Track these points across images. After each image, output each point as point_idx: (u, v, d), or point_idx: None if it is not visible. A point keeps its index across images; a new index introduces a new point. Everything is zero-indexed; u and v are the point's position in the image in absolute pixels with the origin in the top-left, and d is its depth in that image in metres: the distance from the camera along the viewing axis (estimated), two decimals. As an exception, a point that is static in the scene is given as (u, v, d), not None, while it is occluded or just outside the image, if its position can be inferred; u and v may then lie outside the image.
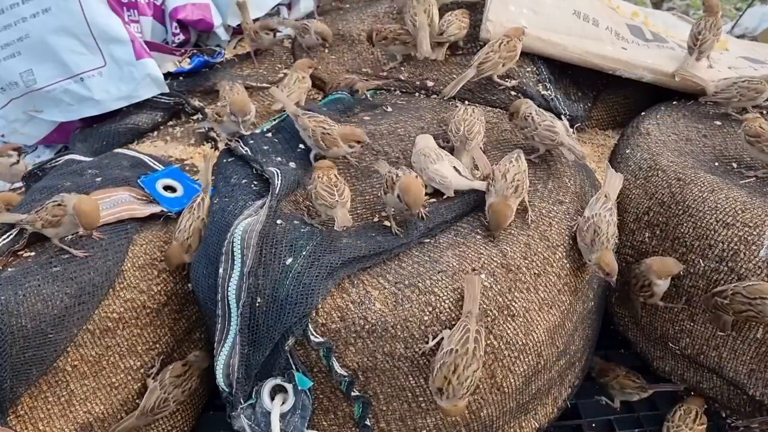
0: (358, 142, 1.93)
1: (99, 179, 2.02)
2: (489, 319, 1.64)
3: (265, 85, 2.56)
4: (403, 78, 2.39)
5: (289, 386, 1.61)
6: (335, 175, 1.76)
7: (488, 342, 1.64)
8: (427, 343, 1.59)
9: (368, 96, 2.33)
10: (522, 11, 2.42)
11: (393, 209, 1.73)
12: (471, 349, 1.51)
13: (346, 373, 1.62)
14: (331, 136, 1.92)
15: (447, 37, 2.36)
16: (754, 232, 1.80)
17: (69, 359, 1.70)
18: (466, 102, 2.28)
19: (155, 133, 2.51)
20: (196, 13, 2.74)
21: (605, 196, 1.85)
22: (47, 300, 1.63)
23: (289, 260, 1.62)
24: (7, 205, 1.95)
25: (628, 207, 2.12)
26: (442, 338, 1.56)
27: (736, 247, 1.81)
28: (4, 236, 1.83)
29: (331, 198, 1.70)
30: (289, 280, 1.59)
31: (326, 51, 2.62)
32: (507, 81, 2.30)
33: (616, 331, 2.19)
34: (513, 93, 2.32)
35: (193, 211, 1.87)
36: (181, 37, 2.75)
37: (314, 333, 1.59)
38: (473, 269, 1.66)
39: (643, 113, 2.41)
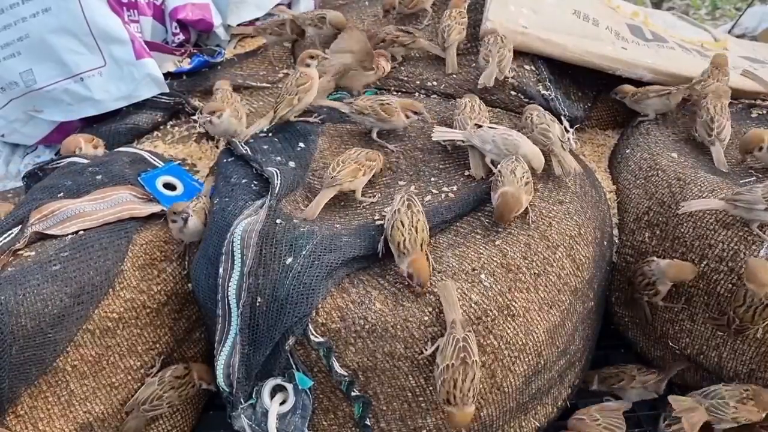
0: (416, 112, 2.02)
1: (99, 177, 2.02)
2: (489, 319, 1.64)
3: (265, 84, 2.56)
4: (403, 78, 2.39)
5: (289, 386, 1.61)
6: (360, 156, 1.84)
7: (488, 342, 1.64)
8: (426, 348, 1.59)
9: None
10: (522, 11, 2.42)
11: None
12: (464, 359, 1.50)
13: (346, 373, 1.62)
14: (392, 105, 2.01)
15: (450, 44, 2.36)
16: (755, 232, 1.80)
17: (69, 359, 1.70)
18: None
19: (155, 133, 2.51)
20: (196, 12, 2.74)
21: None
22: (47, 299, 1.64)
23: (289, 260, 1.62)
24: None
25: (628, 207, 2.12)
26: (438, 346, 1.56)
27: (736, 247, 1.81)
28: (5, 235, 1.83)
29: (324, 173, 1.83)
30: (289, 279, 1.59)
31: (327, 51, 2.61)
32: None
33: (616, 331, 2.19)
34: (513, 93, 2.32)
35: (195, 199, 1.91)
36: (181, 37, 2.74)
37: (314, 333, 1.59)
38: (473, 269, 1.66)
39: (643, 113, 2.41)
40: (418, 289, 1.60)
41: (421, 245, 1.61)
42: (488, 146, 1.87)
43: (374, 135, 2.05)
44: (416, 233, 1.61)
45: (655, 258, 1.91)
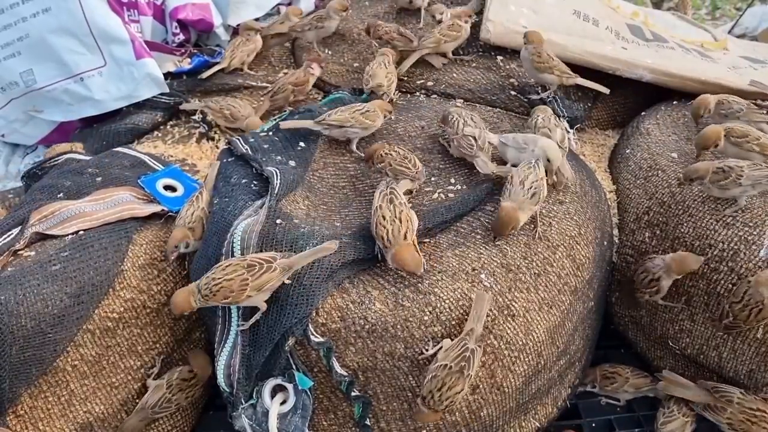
0: (390, 111, 2.07)
1: (99, 179, 2.03)
2: (489, 319, 1.64)
3: (264, 84, 2.56)
4: (402, 78, 2.39)
5: (289, 386, 1.61)
6: (400, 149, 1.85)
7: (488, 342, 1.65)
8: (427, 348, 1.58)
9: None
10: (522, 11, 2.43)
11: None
12: (462, 368, 1.51)
13: (346, 373, 1.62)
14: (371, 111, 2.01)
15: (420, 48, 2.37)
16: (754, 232, 1.80)
17: (69, 359, 1.70)
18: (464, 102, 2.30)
19: (155, 133, 2.51)
20: (196, 12, 2.74)
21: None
22: (47, 299, 1.64)
23: (290, 260, 1.62)
24: None
25: (628, 207, 2.12)
26: (441, 347, 1.56)
27: (736, 247, 1.81)
28: (5, 235, 1.83)
29: (408, 171, 1.82)
30: (288, 280, 1.59)
31: (327, 52, 2.62)
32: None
33: (616, 331, 2.19)
34: (513, 93, 2.32)
35: (194, 202, 1.90)
36: (181, 36, 2.75)
37: (314, 333, 1.59)
38: (473, 269, 1.66)
39: (643, 113, 2.41)
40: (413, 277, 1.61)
41: (405, 235, 1.59)
42: (509, 142, 1.88)
43: (353, 146, 2.04)
44: (400, 223, 1.60)
45: (656, 255, 1.91)
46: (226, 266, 1.57)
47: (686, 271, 1.84)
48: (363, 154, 2.00)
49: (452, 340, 1.56)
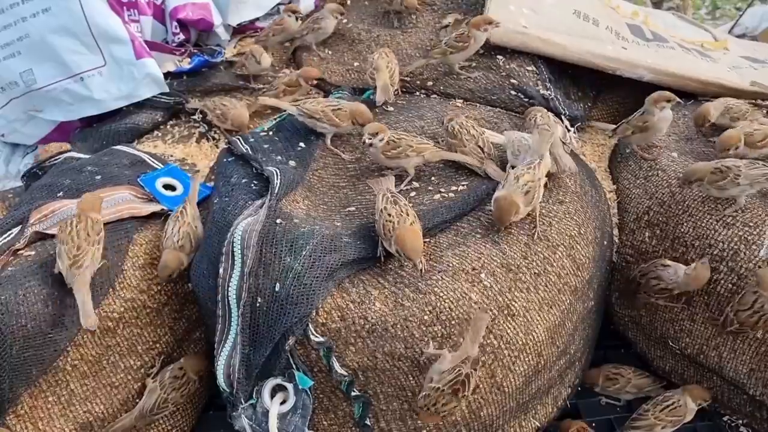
0: (361, 124, 2.00)
1: (98, 177, 2.02)
2: (489, 319, 1.64)
3: (264, 85, 2.57)
4: (403, 77, 2.39)
5: (289, 386, 1.61)
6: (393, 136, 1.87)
7: (488, 342, 1.65)
8: (427, 347, 1.58)
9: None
10: (522, 11, 2.43)
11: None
12: (456, 391, 1.51)
13: (346, 373, 1.62)
14: (343, 111, 2.02)
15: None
16: (754, 232, 1.80)
17: (69, 359, 1.69)
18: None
19: (155, 132, 2.51)
20: (196, 12, 2.74)
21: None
22: (47, 299, 1.63)
23: (290, 260, 1.62)
24: None
25: (628, 207, 2.12)
26: (441, 360, 1.54)
27: (736, 247, 1.81)
28: (5, 235, 1.83)
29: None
30: (289, 280, 1.59)
31: (327, 51, 2.62)
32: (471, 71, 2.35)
33: (616, 331, 2.19)
34: (513, 93, 2.32)
35: (178, 218, 1.85)
36: (181, 36, 2.74)
37: (314, 332, 1.59)
38: (473, 269, 1.66)
39: (643, 113, 2.41)
40: (409, 263, 1.61)
41: (411, 224, 1.61)
42: (510, 147, 1.89)
43: (328, 141, 2.04)
44: (407, 216, 1.62)
45: (669, 262, 1.88)
46: (79, 223, 1.67)
47: (702, 285, 1.82)
48: (342, 155, 2.03)
49: (451, 352, 1.54)
